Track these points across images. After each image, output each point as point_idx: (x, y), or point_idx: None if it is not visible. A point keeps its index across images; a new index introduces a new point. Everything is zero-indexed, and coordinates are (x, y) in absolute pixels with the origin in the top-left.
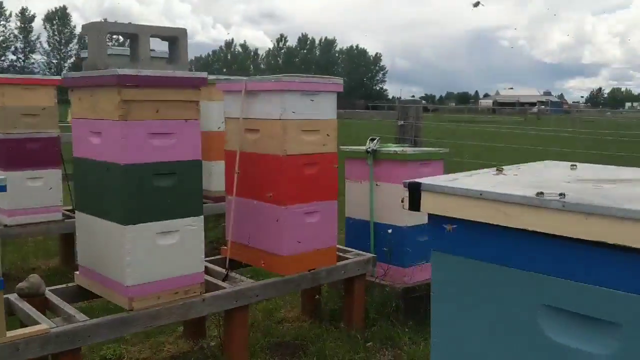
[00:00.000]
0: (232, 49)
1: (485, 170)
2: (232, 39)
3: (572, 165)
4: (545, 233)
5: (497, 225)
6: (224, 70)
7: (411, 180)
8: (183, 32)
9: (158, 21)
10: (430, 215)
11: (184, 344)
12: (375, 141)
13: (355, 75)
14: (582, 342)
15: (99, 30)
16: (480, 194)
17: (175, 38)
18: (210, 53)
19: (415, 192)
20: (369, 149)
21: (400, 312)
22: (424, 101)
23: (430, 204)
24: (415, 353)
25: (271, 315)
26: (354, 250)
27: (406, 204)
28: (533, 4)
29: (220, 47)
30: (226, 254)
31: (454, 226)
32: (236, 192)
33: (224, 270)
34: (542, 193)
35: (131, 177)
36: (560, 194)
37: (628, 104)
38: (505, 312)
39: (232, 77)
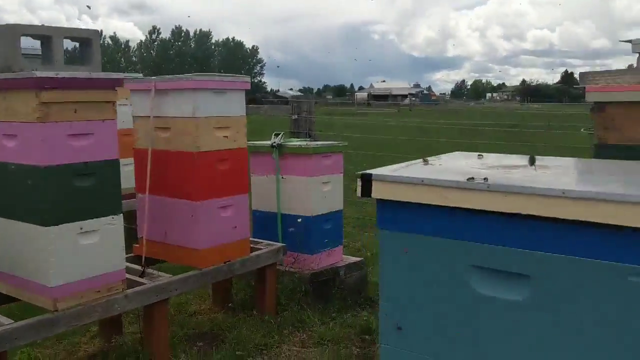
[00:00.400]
0: (101, 42)
1: (415, 161)
2: (101, 31)
3: (479, 155)
4: (473, 209)
5: (435, 205)
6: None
7: (363, 171)
8: (96, 33)
9: (18, 13)
10: (378, 200)
11: (101, 342)
12: (280, 136)
13: (233, 69)
14: (502, 292)
15: (13, 32)
16: (422, 181)
17: (89, 40)
18: (77, 46)
19: (366, 182)
20: (274, 144)
21: (310, 297)
22: (302, 94)
23: (379, 191)
24: (325, 332)
25: (183, 309)
26: (264, 241)
27: (359, 191)
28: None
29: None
30: (139, 252)
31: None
32: (149, 190)
33: (140, 267)
34: (472, 178)
35: (52, 179)
36: (485, 178)
37: (488, 95)
38: (442, 274)
39: (134, 74)
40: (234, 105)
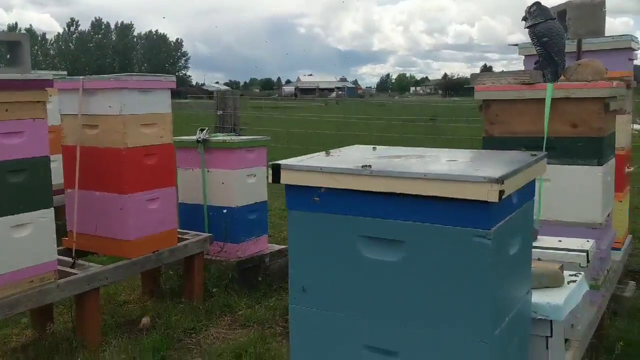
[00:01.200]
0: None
1: (319, 153)
2: (16, 23)
3: (373, 147)
4: (361, 190)
5: (332, 187)
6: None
7: (273, 162)
8: (26, 37)
9: None
10: (287, 185)
11: (32, 333)
12: (205, 131)
13: (156, 62)
14: (384, 255)
15: None
16: (321, 169)
17: (19, 42)
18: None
19: (276, 170)
20: (199, 139)
21: (236, 283)
22: (228, 87)
23: (287, 177)
24: (251, 314)
25: (113, 299)
26: (191, 231)
27: (270, 179)
28: None
29: (3, 32)
30: (69, 244)
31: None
32: (78, 185)
33: (70, 259)
34: (366, 166)
35: None
36: (369, 166)
37: (412, 89)
38: (338, 243)
39: (60, 73)
40: (160, 103)
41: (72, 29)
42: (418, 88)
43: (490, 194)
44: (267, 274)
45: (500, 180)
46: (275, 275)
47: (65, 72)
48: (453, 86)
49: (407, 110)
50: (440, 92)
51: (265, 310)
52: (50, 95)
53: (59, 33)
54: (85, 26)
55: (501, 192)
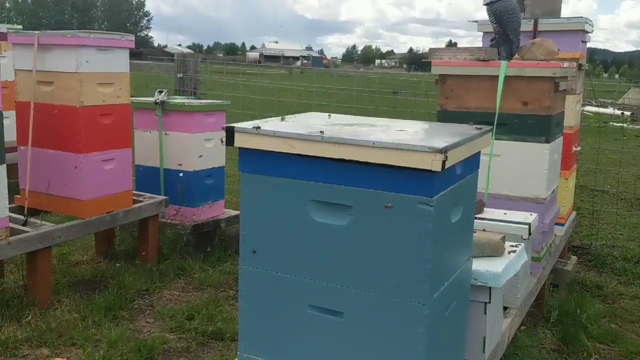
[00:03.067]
0: None
1: (274, 118)
2: None
3: (329, 115)
4: (312, 155)
5: (284, 152)
6: None
7: (227, 125)
8: None
9: None
10: (240, 149)
11: None
12: (163, 93)
13: (117, 21)
14: (332, 219)
15: None
16: (274, 133)
17: None
18: None
19: (230, 133)
20: (157, 101)
21: (191, 247)
22: (190, 50)
23: (240, 141)
24: (205, 278)
25: (66, 259)
26: (147, 194)
27: (224, 141)
28: None
29: None
30: (21, 202)
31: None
32: (32, 142)
33: (22, 217)
34: (321, 132)
35: None
36: (321, 132)
37: (378, 61)
38: (288, 207)
39: (15, 27)
40: (118, 63)
41: None
42: (383, 61)
43: (434, 163)
44: (223, 239)
45: (444, 151)
46: (231, 240)
47: (21, 27)
48: (418, 60)
49: (371, 83)
50: (405, 66)
51: (219, 274)
52: (5, 50)
53: None
54: None
55: (444, 162)
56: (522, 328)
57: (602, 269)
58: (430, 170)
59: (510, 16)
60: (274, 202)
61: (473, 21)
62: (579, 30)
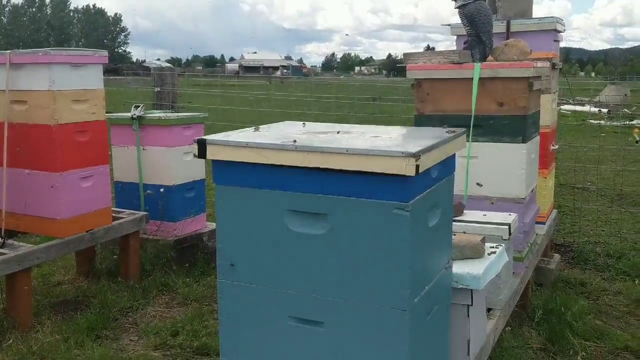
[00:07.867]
0: None
1: (248, 128)
2: None
3: (303, 123)
4: (286, 165)
5: (258, 163)
6: None
7: (199, 137)
8: None
9: None
10: (213, 161)
11: None
12: (140, 108)
13: (94, 37)
14: (309, 228)
15: None
16: (247, 144)
17: None
18: None
19: (202, 145)
20: (134, 116)
21: (174, 262)
22: (169, 64)
23: (213, 153)
24: (189, 292)
25: (47, 280)
26: (127, 210)
27: (196, 153)
28: None
29: None
30: None
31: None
32: (7, 163)
33: None
34: (294, 141)
35: None
36: (294, 141)
37: (357, 68)
38: (265, 218)
39: None
40: (92, 79)
41: (4, 1)
42: (363, 68)
43: (407, 168)
44: (206, 252)
45: (417, 155)
46: (213, 253)
47: None
48: (397, 66)
49: (350, 90)
50: (384, 72)
51: (203, 288)
52: None
53: None
54: None
55: (418, 166)
56: (507, 329)
57: (585, 265)
58: (404, 175)
59: (482, 18)
60: (250, 214)
61: (446, 25)
62: (551, 29)
